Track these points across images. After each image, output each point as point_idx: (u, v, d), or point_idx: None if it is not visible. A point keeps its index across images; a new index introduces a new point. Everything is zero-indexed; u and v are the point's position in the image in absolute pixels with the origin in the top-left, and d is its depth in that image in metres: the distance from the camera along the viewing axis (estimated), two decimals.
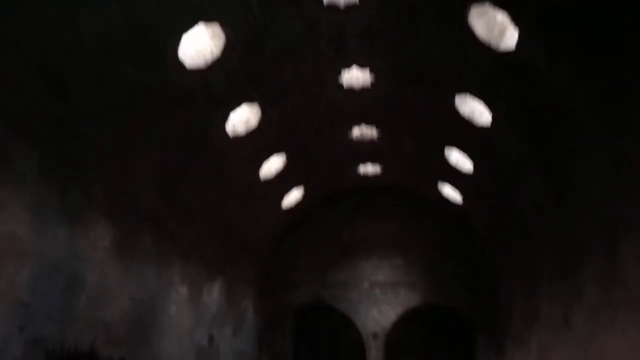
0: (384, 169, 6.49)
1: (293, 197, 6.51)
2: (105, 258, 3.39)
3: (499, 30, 3.34)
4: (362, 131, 5.61)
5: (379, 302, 6.78)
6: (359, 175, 6.66)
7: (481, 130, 4.38)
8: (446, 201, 6.42)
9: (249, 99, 4.47)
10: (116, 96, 3.27)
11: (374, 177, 6.72)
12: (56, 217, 2.89)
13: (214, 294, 5.31)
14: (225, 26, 3.56)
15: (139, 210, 3.87)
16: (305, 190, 6.60)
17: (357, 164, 6.43)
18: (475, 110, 4.36)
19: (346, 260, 7.05)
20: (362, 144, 5.77)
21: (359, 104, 4.95)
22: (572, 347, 3.53)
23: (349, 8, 3.63)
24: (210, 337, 5.20)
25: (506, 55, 3.39)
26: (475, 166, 5.08)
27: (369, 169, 6.53)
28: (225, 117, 4.42)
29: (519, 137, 4.07)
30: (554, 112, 3.47)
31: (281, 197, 6.35)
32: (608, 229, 3.04)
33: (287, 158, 5.65)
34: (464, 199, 6.01)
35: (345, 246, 7.12)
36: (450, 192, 6.18)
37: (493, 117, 4.11)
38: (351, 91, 4.68)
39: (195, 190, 4.65)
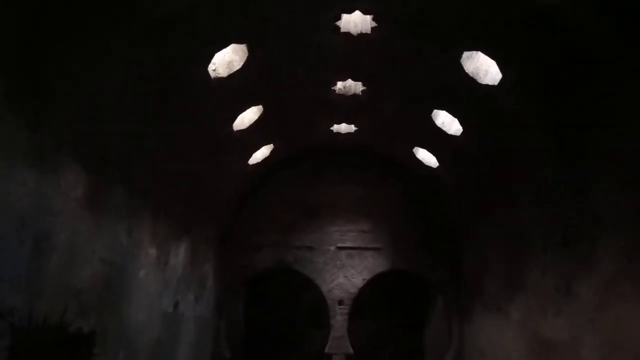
0: (359, 129, 6.15)
1: (261, 154, 6.04)
2: (77, 212, 2.81)
3: None
4: (346, 85, 5.22)
5: (346, 267, 6.57)
6: (331, 133, 6.28)
7: (485, 88, 4.14)
8: (419, 165, 6.24)
9: (237, 37, 3.92)
10: (94, 15, 2.64)
11: (346, 137, 6.37)
12: (24, 160, 2.28)
13: (180, 256, 4.82)
14: None
15: (111, 158, 3.27)
16: (274, 148, 6.14)
17: (331, 122, 6.04)
18: (481, 68, 4.12)
19: (312, 224, 6.74)
20: (343, 99, 5.37)
21: (351, 53, 4.51)
22: (576, 317, 3.47)
23: None
24: (176, 303, 4.73)
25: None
26: (465, 129, 4.88)
27: (342, 127, 6.17)
28: (208, 58, 3.85)
29: (528, 97, 3.89)
30: (576, 71, 3.29)
31: (249, 154, 5.86)
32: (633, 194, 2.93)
33: (264, 110, 5.16)
34: (440, 163, 5.85)
35: (311, 209, 6.80)
36: (425, 155, 5.99)
37: (503, 76, 3.88)
38: (347, 36, 4.22)
39: (167, 140, 4.07)
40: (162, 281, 4.34)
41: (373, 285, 6.99)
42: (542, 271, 4.02)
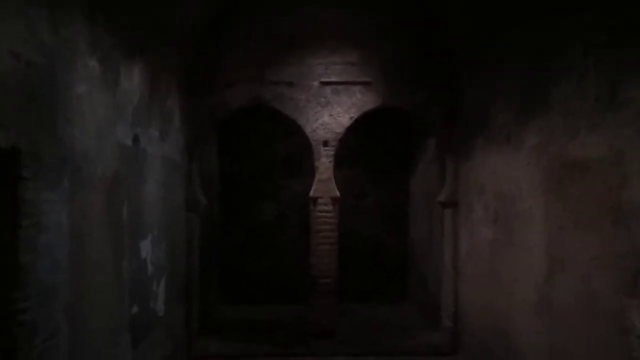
0: None
1: None
2: None
3: None
4: None
5: (331, 104, 5.82)
6: None
7: None
8: None
9: None
10: None
11: None
12: None
13: (134, 80, 3.93)
14: None
15: None
16: None
17: None
18: None
19: (291, 56, 5.81)
20: None
21: None
22: (621, 129, 2.87)
23: None
24: (135, 137, 3.96)
25: None
26: None
27: None
28: None
29: None
30: None
31: None
32: None
33: None
34: None
35: (289, 38, 5.82)
36: None
37: None
38: None
39: None
40: (114, 106, 3.52)
41: (355, 130, 6.36)
42: (578, 81, 3.33)
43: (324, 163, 5.79)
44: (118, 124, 3.59)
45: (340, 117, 5.79)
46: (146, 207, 4.24)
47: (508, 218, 4.37)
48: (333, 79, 5.80)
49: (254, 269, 8.32)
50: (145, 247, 4.19)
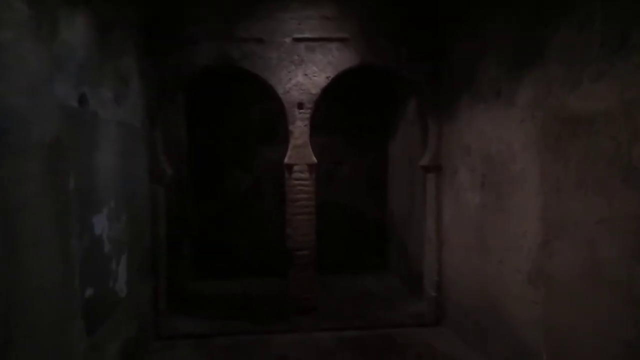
0: None
1: None
2: None
3: None
4: None
5: (305, 63, 5.36)
6: None
7: None
8: None
9: None
10: None
11: None
12: None
13: (78, 32, 3.41)
14: None
15: None
16: None
17: None
18: None
19: (260, 10, 5.29)
20: None
21: None
22: (631, 76, 2.53)
23: None
24: (82, 97, 3.46)
25: None
26: None
27: None
28: None
29: None
30: None
31: None
32: None
33: None
34: None
35: None
36: None
37: None
38: None
39: None
40: (50, 59, 3.01)
41: (332, 92, 5.93)
42: (580, 25, 2.97)
43: (299, 127, 5.37)
44: (57, 81, 3.09)
45: (315, 76, 5.34)
46: (100, 177, 3.77)
47: (497, 182, 4.06)
48: (307, 35, 5.32)
49: (230, 241, 7.94)
50: (101, 222, 3.75)
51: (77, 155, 3.36)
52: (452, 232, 5.06)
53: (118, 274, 4.15)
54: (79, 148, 3.39)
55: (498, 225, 4.03)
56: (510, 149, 3.84)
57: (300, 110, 5.37)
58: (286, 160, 5.41)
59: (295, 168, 5.37)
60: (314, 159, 5.40)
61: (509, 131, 3.84)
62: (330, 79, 5.37)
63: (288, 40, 5.31)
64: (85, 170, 3.48)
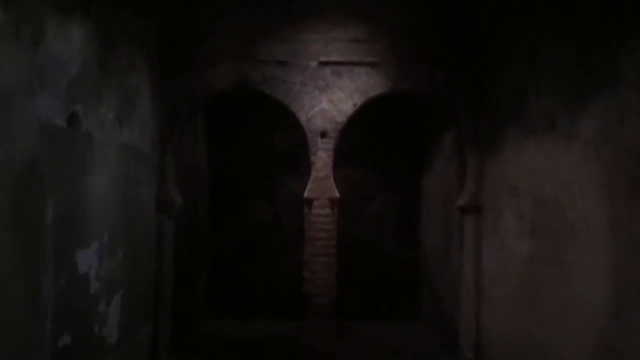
0: None
1: None
2: None
3: None
4: None
5: (331, 88, 4.89)
6: None
7: None
8: None
9: None
10: None
11: None
12: None
13: (73, 43, 3.04)
14: None
15: None
16: None
17: None
18: None
19: (285, 30, 4.89)
20: None
21: None
22: None
23: None
24: (72, 116, 3.06)
25: None
26: None
27: None
28: None
29: None
30: None
31: None
32: None
33: None
34: None
35: (284, 9, 4.91)
36: None
37: None
38: None
39: None
40: (31, 69, 2.61)
41: (361, 122, 5.43)
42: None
43: (322, 158, 4.86)
44: (39, 96, 2.69)
45: (341, 103, 4.86)
46: (91, 207, 3.34)
47: (552, 230, 3.40)
48: (334, 58, 4.87)
49: (247, 277, 7.41)
50: (87, 259, 3.28)
51: (62, 180, 2.93)
52: (495, 285, 4.37)
53: (108, 316, 3.66)
54: (64, 173, 2.97)
55: (553, 283, 3.34)
56: (568, 191, 3.19)
57: (324, 140, 4.87)
58: (306, 193, 4.89)
59: (316, 203, 4.84)
60: (337, 194, 4.86)
61: (568, 169, 3.21)
62: (357, 106, 4.87)
63: (313, 63, 4.88)
64: (70, 199, 3.05)
